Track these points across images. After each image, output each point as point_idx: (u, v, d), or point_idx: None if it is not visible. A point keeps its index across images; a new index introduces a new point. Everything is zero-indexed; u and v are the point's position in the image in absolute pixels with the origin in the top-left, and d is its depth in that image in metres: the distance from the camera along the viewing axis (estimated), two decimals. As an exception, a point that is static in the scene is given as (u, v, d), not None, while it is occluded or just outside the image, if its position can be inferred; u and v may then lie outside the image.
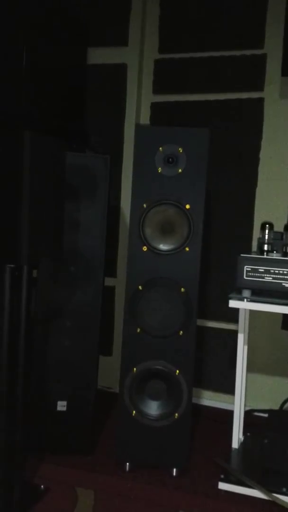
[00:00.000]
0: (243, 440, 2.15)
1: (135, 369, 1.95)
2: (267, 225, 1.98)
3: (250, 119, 2.59)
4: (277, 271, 1.82)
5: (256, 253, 2.01)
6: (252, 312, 2.14)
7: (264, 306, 1.84)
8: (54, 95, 2.38)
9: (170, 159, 1.93)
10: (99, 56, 2.80)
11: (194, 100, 2.69)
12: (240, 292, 1.89)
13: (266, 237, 1.97)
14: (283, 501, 1.78)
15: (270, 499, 1.79)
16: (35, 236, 1.62)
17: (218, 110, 2.64)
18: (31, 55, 2.14)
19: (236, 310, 2.03)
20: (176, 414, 1.94)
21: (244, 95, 2.60)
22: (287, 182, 2.54)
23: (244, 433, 2.17)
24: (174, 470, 1.96)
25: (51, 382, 2.04)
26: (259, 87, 2.57)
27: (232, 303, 1.88)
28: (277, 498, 1.79)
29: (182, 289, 1.93)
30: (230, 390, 2.29)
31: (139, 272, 1.95)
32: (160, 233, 1.96)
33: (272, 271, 1.83)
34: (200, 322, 2.48)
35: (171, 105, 2.74)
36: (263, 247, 1.97)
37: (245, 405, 2.15)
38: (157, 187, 1.94)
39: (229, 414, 2.13)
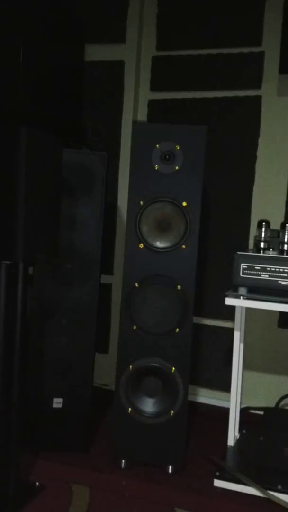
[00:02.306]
0: (239, 437, 2.15)
1: (131, 366, 1.95)
2: (263, 223, 1.97)
3: (248, 117, 2.58)
4: (273, 269, 1.82)
5: (253, 251, 2.00)
6: (248, 310, 2.14)
7: (260, 303, 1.84)
8: (51, 92, 2.37)
9: (167, 156, 1.93)
10: (96, 53, 2.79)
11: (191, 98, 2.69)
12: (236, 290, 1.89)
13: (263, 235, 1.97)
14: (278, 498, 1.78)
15: (265, 496, 1.80)
16: (31, 232, 1.62)
17: (215, 107, 2.64)
18: (28, 51, 2.13)
19: (232, 308, 2.03)
20: (172, 412, 1.94)
21: (242, 93, 2.60)
22: (284, 179, 2.54)
23: (240, 431, 2.17)
24: (170, 467, 1.96)
25: (47, 379, 2.04)
26: (257, 84, 2.57)
27: (228, 301, 1.88)
28: (272, 495, 1.79)
29: (179, 287, 1.93)
30: (226, 388, 2.30)
31: (136, 270, 1.95)
32: (156, 231, 1.95)
33: (268, 268, 1.83)
34: (196, 319, 2.48)
35: (169, 103, 2.73)
36: (260, 245, 1.96)
37: (241, 403, 2.15)
38: (154, 184, 1.94)
39: (225, 411, 2.13)
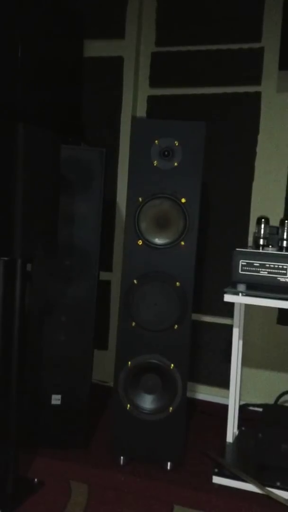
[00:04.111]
0: (238, 434, 2.15)
1: (129, 363, 1.95)
2: (263, 220, 1.97)
3: (247, 113, 2.57)
4: (272, 266, 1.82)
5: (252, 247, 2.00)
6: (247, 307, 2.14)
7: (259, 300, 1.84)
8: (50, 88, 2.36)
9: (166, 152, 1.92)
10: (95, 48, 2.78)
11: (191, 94, 2.68)
12: (235, 287, 1.88)
13: (262, 231, 1.96)
14: (277, 495, 1.78)
15: (264, 493, 1.80)
16: (29, 229, 1.61)
17: (215, 103, 2.63)
18: (27, 47, 2.12)
19: (231, 305, 2.03)
20: (171, 408, 1.94)
21: (241, 89, 2.59)
22: (283, 176, 2.54)
23: (239, 427, 2.17)
24: (169, 463, 1.96)
25: (45, 375, 2.04)
26: (256, 81, 2.56)
27: (227, 297, 1.88)
28: (271, 492, 1.79)
29: (177, 283, 1.93)
30: (225, 385, 2.30)
31: (135, 266, 1.95)
32: (155, 227, 1.95)
33: (267, 265, 1.82)
34: (195, 316, 2.48)
35: (168, 99, 2.72)
36: (259, 241, 1.96)
37: (240, 400, 2.15)
38: (152, 180, 1.93)
39: (224, 408, 2.13)
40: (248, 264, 1.84)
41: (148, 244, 1.94)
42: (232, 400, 2.08)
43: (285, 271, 1.81)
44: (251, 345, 2.55)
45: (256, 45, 2.55)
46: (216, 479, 1.87)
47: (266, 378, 2.58)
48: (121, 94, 2.76)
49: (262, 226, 1.96)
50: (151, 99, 2.77)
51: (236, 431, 2.14)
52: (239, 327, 2.06)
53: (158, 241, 1.94)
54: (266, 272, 1.82)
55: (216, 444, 2.11)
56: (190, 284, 1.93)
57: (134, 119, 2.71)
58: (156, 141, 1.93)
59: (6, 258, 1.65)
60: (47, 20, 2.33)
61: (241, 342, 2.09)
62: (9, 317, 1.70)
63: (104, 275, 2.74)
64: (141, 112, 2.78)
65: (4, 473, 1.74)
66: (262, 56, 2.54)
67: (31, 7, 2.19)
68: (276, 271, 1.81)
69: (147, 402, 1.97)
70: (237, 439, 2.11)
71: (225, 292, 1.89)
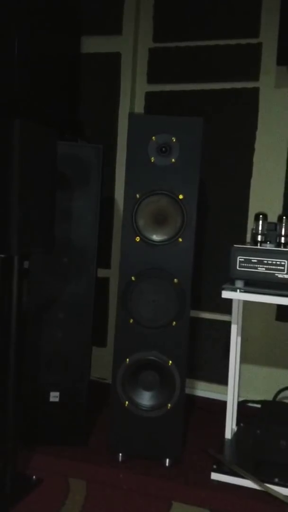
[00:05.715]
0: (236, 430, 2.15)
1: (128, 359, 1.95)
2: (261, 216, 1.96)
3: (245, 109, 2.57)
4: (270, 262, 1.81)
5: (250, 244, 1.99)
6: (246, 303, 2.13)
7: (257, 296, 1.83)
8: (47, 84, 2.36)
9: (163, 149, 1.92)
10: (93, 45, 2.77)
11: (188, 90, 2.67)
12: (233, 283, 1.88)
13: (260, 227, 1.96)
14: (275, 491, 1.78)
15: (262, 489, 1.80)
16: (26, 226, 1.61)
17: (213, 99, 2.62)
18: (24, 43, 2.11)
19: (229, 301, 2.03)
20: (169, 405, 1.94)
21: (239, 85, 2.58)
22: (282, 172, 2.53)
23: (237, 424, 2.17)
24: (167, 460, 1.96)
25: (44, 373, 2.04)
26: (254, 76, 2.55)
27: (225, 294, 1.87)
28: (269, 488, 1.79)
29: (175, 280, 1.92)
30: (224, 381, 2.29)
31: (132, 263, 1.94)
32: (153, 224, 1.94)
33: (265, 261, 1.82)
34: (193, 313, 2.47)
35: (166, 95, 2.72)
36: (257, 237, 1.95)
37: (238, 396, 2.15)
38: (150, 177, 1.92)
39: (222, 404, 2.13)
40: (246, 261, 1.84)
41: (145, 240, 1.93)
42: (231, 396, 2.08)
43: (283, 267, 1.80)
44: (249, 341, 2.55)
45: (254, 41, 2.54)
46: (215, 476, 1.87)
47: (264, 374, 2.58)
48: (119, 90, 2.75)
49: (260, 222, 1.96)
50: (149, 95, 2.76)
51: (234, 427, 2.14)
52: (237, 324, 2.06)
53: (155, 237, 1.94)
54: (264, 269, 1.82)
55: (215, 440, 2.11)
56: (188, 280, 1.93)
57: (131, 114, 2.70)
58: (153, 137, 1.92)
59: (3, 255, 1.65)
60: (44, 16, 2.32)
61: (239, 338, 2.09)
62: (6, 315, 1.69)
63: (102, 272, 2.74)
64: (139, 108, 2.77)
65: (3, 471, 1.74)
66: (260, 52, 2.53)
67: (28, 3, 2.17)
68: (274, 267, 1.81)
69: (146, 398, 1.97)
70: (235, 435, 2.11)
71: (223, 289, 1.88)
